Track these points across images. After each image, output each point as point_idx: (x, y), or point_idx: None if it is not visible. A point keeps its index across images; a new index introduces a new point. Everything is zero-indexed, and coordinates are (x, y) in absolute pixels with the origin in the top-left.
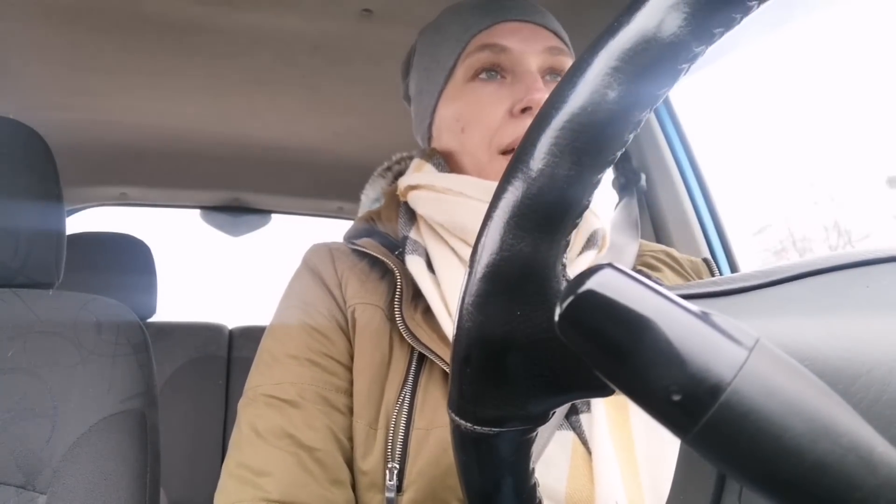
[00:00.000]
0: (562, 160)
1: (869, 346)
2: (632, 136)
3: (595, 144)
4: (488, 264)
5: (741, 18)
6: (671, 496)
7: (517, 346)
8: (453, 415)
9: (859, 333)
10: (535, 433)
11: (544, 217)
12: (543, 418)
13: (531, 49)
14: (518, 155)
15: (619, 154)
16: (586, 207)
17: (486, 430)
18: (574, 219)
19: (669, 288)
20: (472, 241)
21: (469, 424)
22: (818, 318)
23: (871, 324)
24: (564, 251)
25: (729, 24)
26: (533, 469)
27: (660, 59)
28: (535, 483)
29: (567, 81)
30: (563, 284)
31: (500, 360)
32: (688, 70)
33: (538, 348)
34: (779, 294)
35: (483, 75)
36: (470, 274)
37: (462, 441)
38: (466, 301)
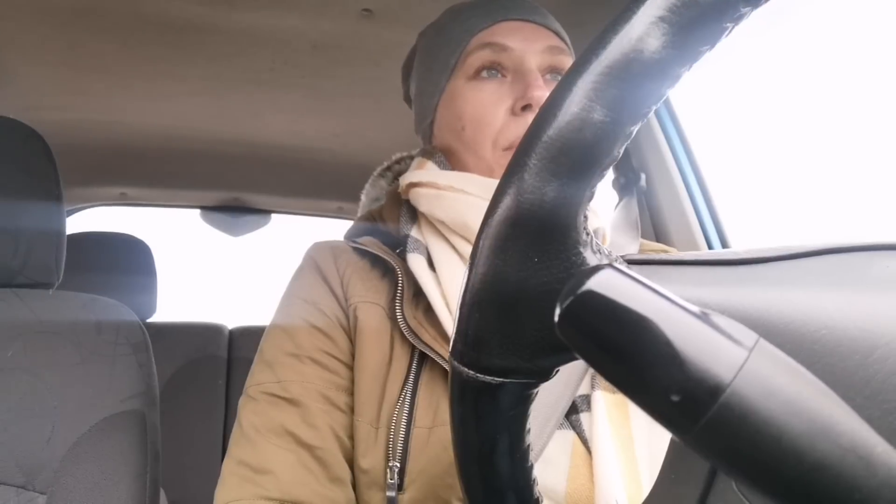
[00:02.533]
0: (598, 105)
1: (887, 320)
2: (668, 92)
3: (634, 93)
4: (510, 207)
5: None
6: (661, 476)
7: (530, 294)
8: (455, 362)
9: (878, 308)
10: (536, 390)
11: (574, 162)
12: (548, 373)
13: (532, 48)
14: (553, 97)
15: (654, 108)
16: (616, 159)
17: (488, 379)
18: (603, 168)
19: (689, 254)
20: (474, 239)
21: (472, 372)
22: (837, 291)
23: (889, 300)
24: (588, 202)
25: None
26: (528, 430)
27: (706, 15)
28: (528, 445)
29: (611, 27)
30: (583, 236)
31: (511, 307)
32: (731, 31)
33: (550, 299)
34: (798, 266)
35: (484, 74)
36: (489, 216)
37: (462, 391)
38: (482, 244)
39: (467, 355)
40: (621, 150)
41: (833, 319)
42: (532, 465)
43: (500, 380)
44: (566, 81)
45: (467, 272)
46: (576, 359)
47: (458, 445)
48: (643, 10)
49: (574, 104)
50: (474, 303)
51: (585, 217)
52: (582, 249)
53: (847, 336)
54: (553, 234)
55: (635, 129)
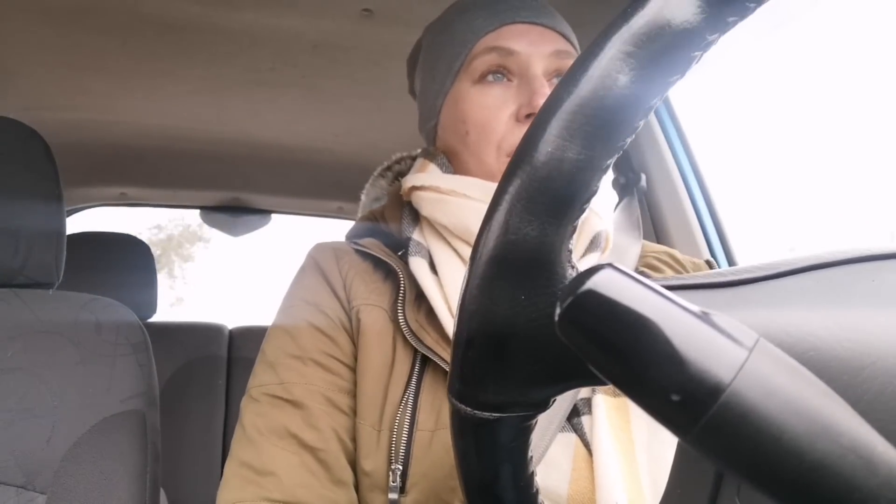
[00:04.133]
0: (572, 144)
1: (874, 337)
2: (642, 123)
3: (605, 129)
4: (494, 247)
5: (755, 7)
6: (667, 491)
7: (520, 331)
8: (453, 399)
9: (865, 325)
10: (535, 420)
11: (552, 200)
12: (544, 405)
13: (538, 52)
14: (528, 138)
15: (628, 140)
16: (594, 193)
17: (486, 415)
18: (582, 204)
19: (674, 278)
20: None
21: (469, 409)
22: (823, 310)
23: (876, 316)
24: (571, 237)
25: (743, 13)
26: (531, 458)
27: (673, 46)
28: (532, 472)
29: (579, 66)
30: (569, 270)
31: (502, 344)
32: (700, 59)
33: (541, 334)
34: (784, 286)
35: (489, 77)
36: (475, 257)
37: (462, 427)
38: (470, 284)
39: (464, 393)
40: (599, 184)
41: (821, 340)
42: (538, 492)
43: (498, 415)
44: (539, 122)
45: (458, 310)
46: (570, 388)
47: (462, 476)
48: (609, 46)
49: (548, 144)
50: (466, 341)
51: (569, 251)
52: (567, 282)
53: (835, 356)
54: (538, 272)
55: (611, 161)
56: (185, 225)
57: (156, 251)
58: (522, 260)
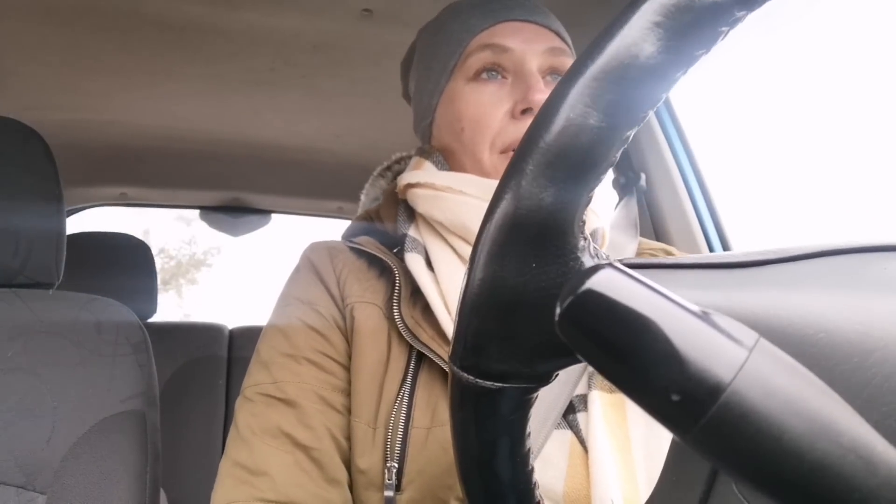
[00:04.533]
0: (594, 110)
1: (884, 322)
2: (664, 97)
3: (628, 98)
4: (507, 213)
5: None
6: (662, 478)
7: (528, 299)
8: (455, 367)
9: (876, 310)
10: (536, 394)
11: (571, 167)
12: (547, 378)
13: (533, 49)
14: (549, 103)
15: (650, 112)
16: (613, 163)
17: (488, 384)
18: (601, 173)
19: (690, 257)
20: (472, 240)
21: (471, 378)
22: (835, 293)
23: (887, 303)
24: (585, 207)
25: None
26: (529, 434)
27: (702, 19)
28: (528, 449)
29: (606, 32)
30: (581, 241)
31: (509, 312)
32: (727, 34)
33: (549, 304)
34: (796, 269)
35: (484, 75)
36: (487, 221)
37: (462, 396)
38: (480, 249)
39: (466, 360)
40: (618, 155)
41: (831, 322)
42: (532, 469)
43: (500, 385)
44: (562, 86)
45: (466, 277)
46: (575, 363)
47: (458, 450)
48: (639, 15)
49: (570, 109)
50: (473, 308)
51: (583, 222)
52: (580, 254)
53: (845, 339)
54: (551, 239)
55: (632, 133)
56: (191, 253)
57: (166, 276)
58: (536, 227)
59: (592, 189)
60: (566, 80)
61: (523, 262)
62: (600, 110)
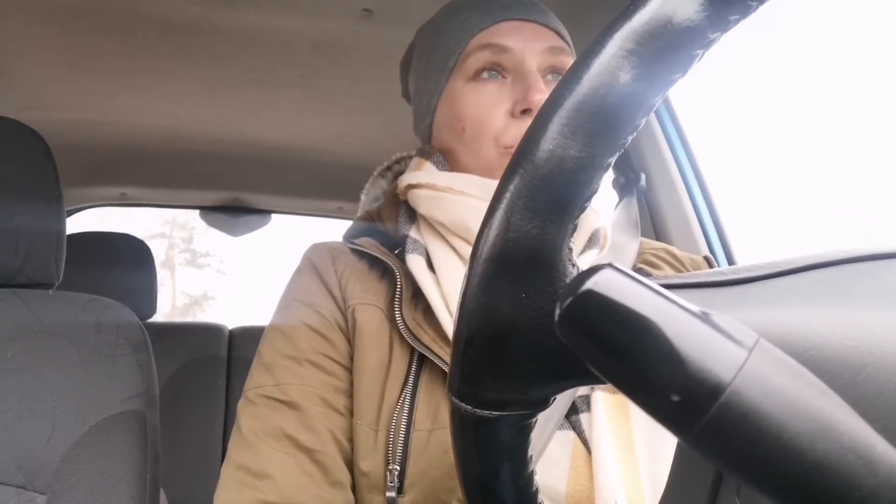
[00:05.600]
0: (573, 141)
1: (875, 336)
2: (644, 121)
3: (607, 127)
4: (495, 245)
5: (757, 6)
6: (667, 491)
7: (520, 329)
8: (454, 398)
9: (865, 324)
10: (535, 419)
11: (554, 198)
12: (544, 403)
13: (532, 48)
14: (529, 135)
15: (630, 139)
16: (596, 191)
17: (486, 413)
18: (583, 202)
19: (674, 277)
20: (474, 240)
21: (469, 408)
22: (824, 308)
23: (877, 315)
24: (572, 235)
25: (745, 12)
26: (531, 457)
27: (675, 44)
28: (532, 471)
29: (581, 62)
30: (570, 268)
31: (502, 342)
32: (702, 57)
33: (541, 332)
34: (784, 285)
35: (484, 75)
36: (475, 255)
37: (462, 425)
38: (471, 282)
39: (464, 391)
40: (600, 182)
41: (821, 338)
42: (537, 491)
43: (498, 413)
44: (540, 119)
45: (458, 309)
46: (571, 387)
47: (462, 476)
48: (612, 43)
49: (549, 142)
50: (467, 339)
51: (570, 249)
52: (568, 280)
53: (836, 355)
54: (539, 270)
55: (613, 159)
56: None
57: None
58: (523, 258)
59: (577, 217)
60: (545, 111)
61: (513, 294)
62: (580, 140)
